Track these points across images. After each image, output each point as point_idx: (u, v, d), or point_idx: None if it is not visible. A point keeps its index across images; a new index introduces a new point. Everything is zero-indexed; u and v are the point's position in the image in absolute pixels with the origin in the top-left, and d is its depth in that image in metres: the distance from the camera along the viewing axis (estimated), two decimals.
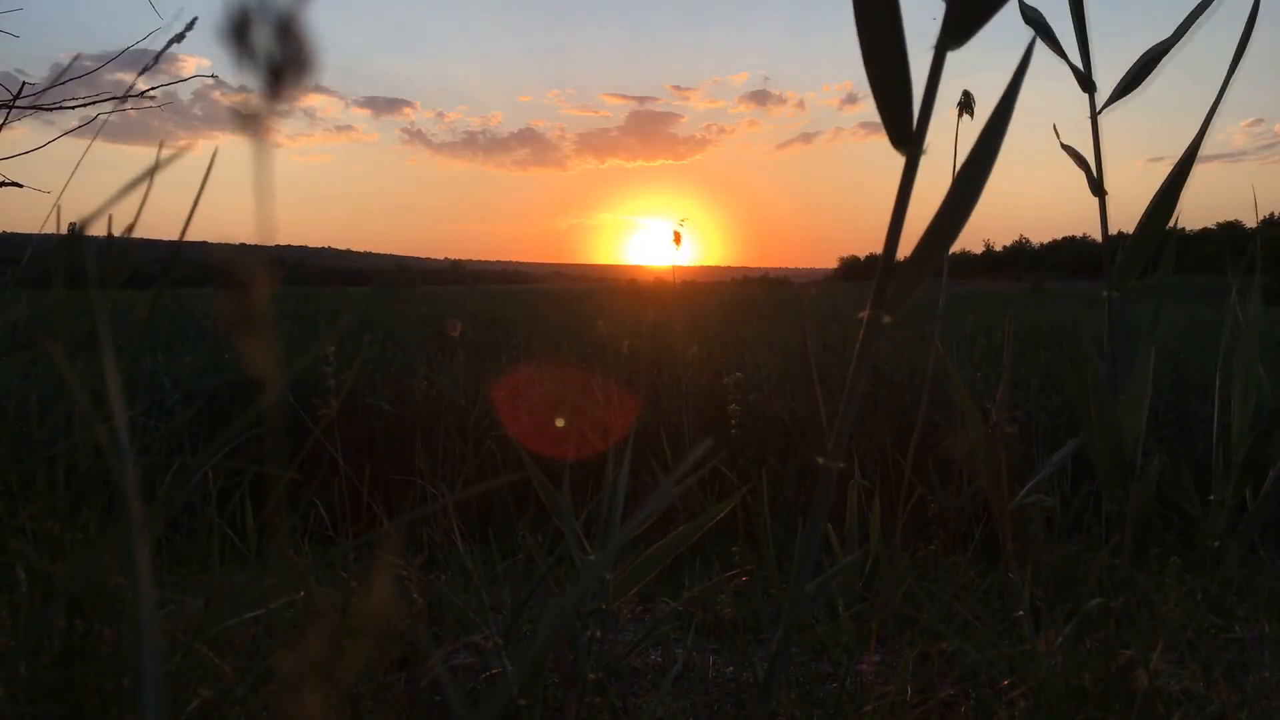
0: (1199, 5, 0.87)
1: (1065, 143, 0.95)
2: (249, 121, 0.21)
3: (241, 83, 0.21)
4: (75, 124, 1.07)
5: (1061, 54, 0.91)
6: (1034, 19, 0.91)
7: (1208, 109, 0.86)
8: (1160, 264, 0.96)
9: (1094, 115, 0.92)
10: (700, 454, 0.32)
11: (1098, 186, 0.92)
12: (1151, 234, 0.87)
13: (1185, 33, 0.88)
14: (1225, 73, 0.87)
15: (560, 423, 3.01)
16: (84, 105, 1.10)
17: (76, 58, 1.03)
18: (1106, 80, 0.93)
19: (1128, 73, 0.90)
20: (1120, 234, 0.93)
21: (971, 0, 0.52)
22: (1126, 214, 0.91)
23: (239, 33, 0.20)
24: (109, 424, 0.31)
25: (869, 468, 2.97)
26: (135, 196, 0.47)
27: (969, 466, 2.29)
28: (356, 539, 0.68)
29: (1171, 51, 0.89)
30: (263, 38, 0.20)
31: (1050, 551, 1.71)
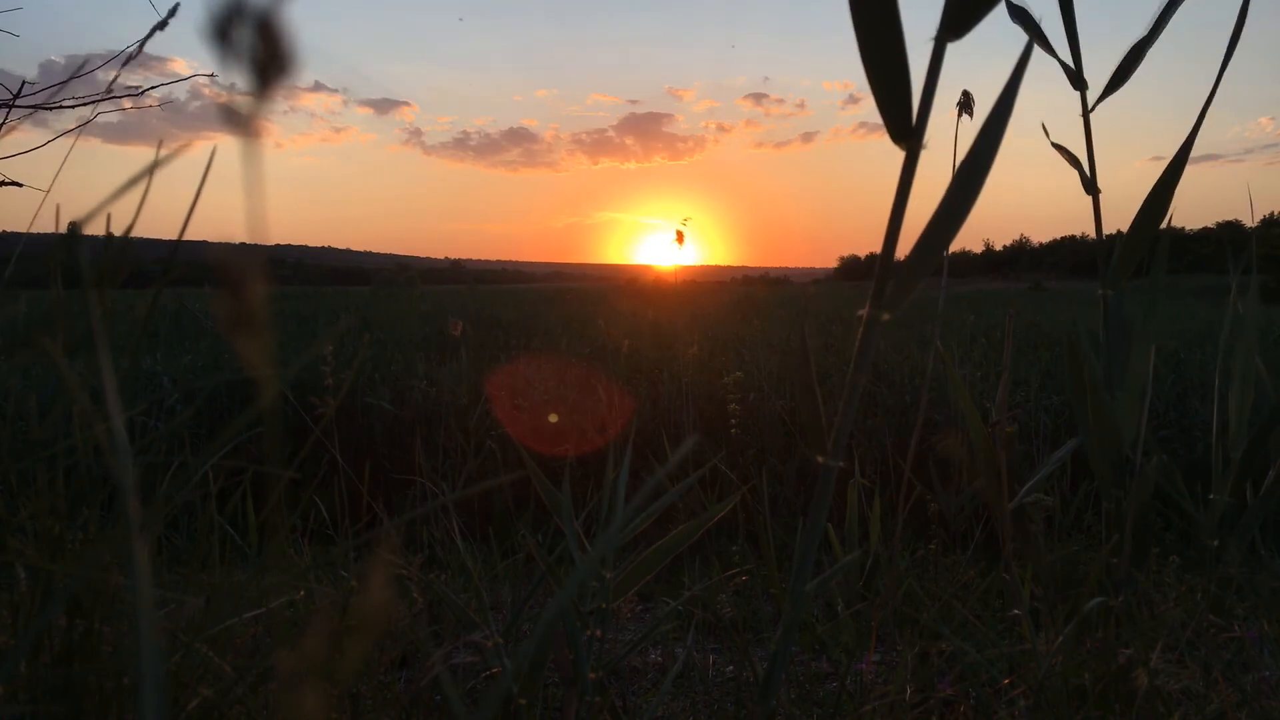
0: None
1: (1056, 141, 0.95)
2: (237, 119, 0.21)
3: (231, 81, 0.21)
4: (73, 125, 1.07)
5: (1052, 52, 0.91)
6: (1022, 18, 0.91)
7: (1212, 108, 0.86)
8: (1154, 263, 0.96)
9: (1086, 113, 0.92)
10: (688, 448, 0.32)
11: (1091, 185, 0.92)
12: (1145, 233, 0.87)
13: (1163, 26, 0.88)
14: (1228, 72, 0.87)
15: (553, 418, 3.01)
16: (81, 105, 1.10)
17: (84, 62, 1.03)
18: (1100, 77, 0.93)
19: (1115, 70, 0.90)
20: (1118, 233, 0.93)
21: None
22: (1129, 213, 0.91)
23: (221, 31, 0.20)
24: (107, 423, 0.31)
25: (869, 467, 2.97)
26: (134, 196, 0.47)
27: (969, 466, 2.29)
28: (356, 538, 0.68)
29: (1183, 49, 0.89)
30: (244, 36, 0.20)
31: (1050, 551, 1.71)
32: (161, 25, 0.86)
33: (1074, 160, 0.93)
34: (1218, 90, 0.87)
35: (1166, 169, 0.87)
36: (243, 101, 0.21)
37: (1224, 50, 0.85)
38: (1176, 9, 0.88)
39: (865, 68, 0.52)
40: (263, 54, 0.20)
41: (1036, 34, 0.88)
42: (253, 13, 0.20)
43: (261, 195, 0.21)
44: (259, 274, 0.23)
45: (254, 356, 0.23)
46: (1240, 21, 0.84)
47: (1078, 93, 0.92)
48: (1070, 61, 0.91)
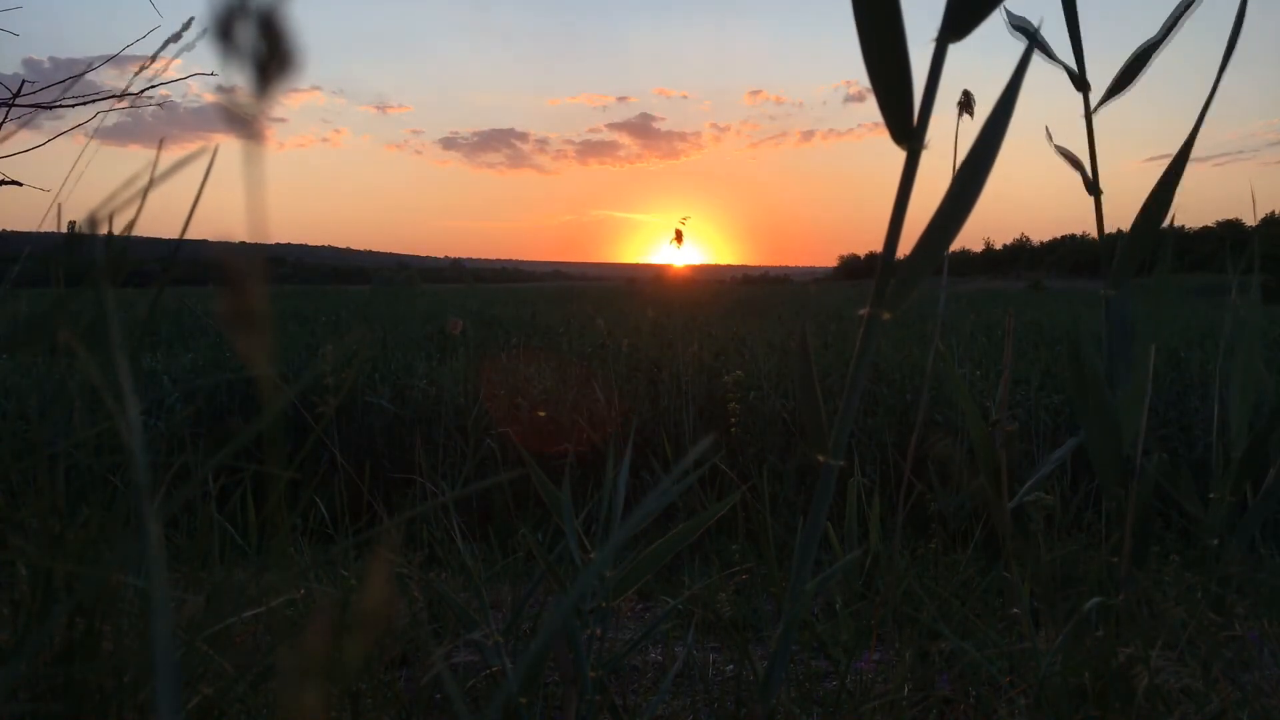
0: (1184, 2, 0.87)
1: (1059, 144, 0.95)
2: (239, 120, 0.21)
3: (230, 81, 0.21)
4: (71, 126, 1.07)
5: (1053, 58, 0.91)
6: (1022, 27, 0.90)
7: (1213, 107, 0.86)
8: (1158, 262, 0.96)
9: (1088, 114, 0.92)
10: (700, 451, 0.32)
11: (1093, 186, 0.92)
12: (1147, 232, 0.87)
13: (1173, 30, 0.88)
14: (1229, 72, 0.87)
15: (541, 414, 3.01)
16: (80, 104, 1.10)
17: (83, 65, 1.03)
18: (1101, 78, 0.92)
19: (1119, 71, 0.90)
20: (1119, 232, 0.93)
21: None
22: (1128, 211, 0.91)
23: (225, 31, 0.20)
24: (123, 420, 0.31)
25: (869, 466, 2.97)
26: (133, 196, 0.47)
27: (969, 464, 2.29)
28: (356, 537, 0.68)
29: (1182, 50, 0.88)
30: (248, 35, 0.20)
31: (1050, 550, 1.71)
32: (176, 38, 0.85)
33: (1076, 163, 0.92)
34: (1218, 90, 0.87)
35: (1167, 170, 0.87)
36: (244, 102, 0.21)
37: (1242, 48, 0.85)
38: (1187, 13, 0.87)
39: (867, 69, 0.52)
40: (267, 53, 0.20)
41: (1038, 42, 0.88)
42: (255, 12, 0.20)
43: (262, 194, 0.21)
44: (259, 273, 0.23)
45: (255, 356, 0.23)
46: (1238, 23, 0.84)
47: (1079, 94, 0.92)
48: (1073, 64, 0.90)
